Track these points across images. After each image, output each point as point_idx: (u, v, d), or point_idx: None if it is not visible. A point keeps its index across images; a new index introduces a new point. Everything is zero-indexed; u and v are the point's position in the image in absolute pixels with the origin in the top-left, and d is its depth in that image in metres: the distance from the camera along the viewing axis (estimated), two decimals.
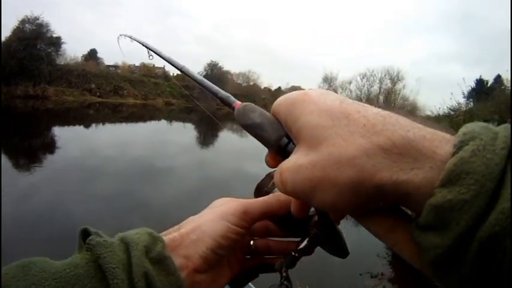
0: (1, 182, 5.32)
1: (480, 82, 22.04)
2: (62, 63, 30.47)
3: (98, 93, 31.22)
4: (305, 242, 0.45)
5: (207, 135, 19.82)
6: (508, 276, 0.22)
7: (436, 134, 0.28)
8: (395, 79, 38.33)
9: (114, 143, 13.28)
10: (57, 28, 36.49)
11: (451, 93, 8.88)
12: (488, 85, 20.78)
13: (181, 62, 0.69)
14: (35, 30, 26.24)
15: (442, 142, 0.27)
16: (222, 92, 0.51)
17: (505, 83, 10.41)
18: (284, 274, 0.40)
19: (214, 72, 40.45)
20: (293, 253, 0.44)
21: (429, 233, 0.25)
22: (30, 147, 11.00)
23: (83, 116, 22.34)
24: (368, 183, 0.28)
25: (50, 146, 11.46)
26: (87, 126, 18.03)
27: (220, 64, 42.76)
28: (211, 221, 0.44)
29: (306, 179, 0.31)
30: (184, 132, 20.58)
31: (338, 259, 0.48)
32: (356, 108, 0.31)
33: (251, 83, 46.71)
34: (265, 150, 0.41)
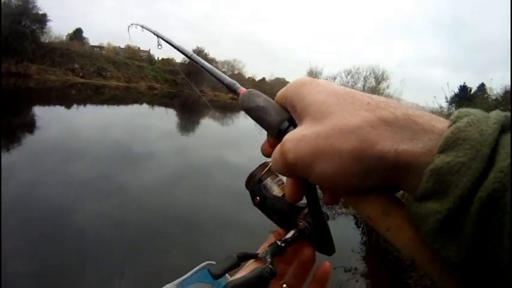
0: (1, 179, 5.26)
1: (464, 88, 22.12)
2: (47, 41, 29.57)
3: (80, 74, 30.52)
4: (292, 233, 0.44)
5: (188, 122, 19.78)
6: (508, 238, 0.23)
7: (432, 114, 0.30)
8: (379, 78, 38.66)
9: (95, 125, 13.15)
10: (43, 5, 35.50)
11: (434, 97, 9.02)
12: (472, 92, 20.90)
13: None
14: (21, 6, 25.32)
15: (440, 120, 0.30)
16: (228, 79, 0.54)
17: (488, 92, 10.57)
18: (269, 260, 0.39)
19: None
20: (279, 242, 0.42)
21: (428, 202, 0.26)
22: (10, 126, 10.73)
23: (65, 96, 21.86)
24: (370, 152, 0.29)
25: (30, 126, 11.22)
26: (68, 106, 17.72)
27: (206, 51, 42.23)
28: None
29: (309, 148, 0.32)
30: (166, 118, 20.38)
31: None
32: (360, 92, 0.35)
33: (236, 72, 46.17)
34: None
